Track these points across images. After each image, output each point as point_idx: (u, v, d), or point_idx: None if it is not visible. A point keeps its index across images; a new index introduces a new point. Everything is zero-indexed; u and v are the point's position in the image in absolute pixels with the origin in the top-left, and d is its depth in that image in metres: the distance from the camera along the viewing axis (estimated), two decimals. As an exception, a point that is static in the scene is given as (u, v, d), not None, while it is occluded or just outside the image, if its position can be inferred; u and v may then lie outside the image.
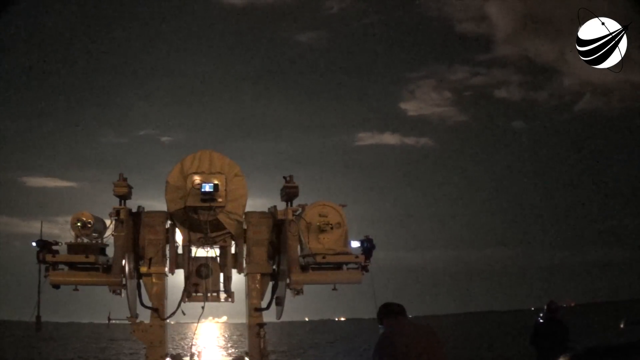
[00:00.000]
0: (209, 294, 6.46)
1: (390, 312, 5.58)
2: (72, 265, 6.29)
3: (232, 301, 6.60)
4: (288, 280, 6.38)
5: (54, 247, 6.30)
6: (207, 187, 6.11)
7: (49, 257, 6.18)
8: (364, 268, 6.44)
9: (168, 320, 6.52)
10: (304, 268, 6.37)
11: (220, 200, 6.18)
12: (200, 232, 6.32)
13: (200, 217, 6.18)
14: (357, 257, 6.40)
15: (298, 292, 6.39)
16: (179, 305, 6.37)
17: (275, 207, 6.75)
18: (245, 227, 6.63)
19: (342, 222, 6.48)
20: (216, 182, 6.15)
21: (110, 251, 6.50)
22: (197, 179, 6.18)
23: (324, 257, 6.32)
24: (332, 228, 6.39)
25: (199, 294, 6.43)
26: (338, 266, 6.50)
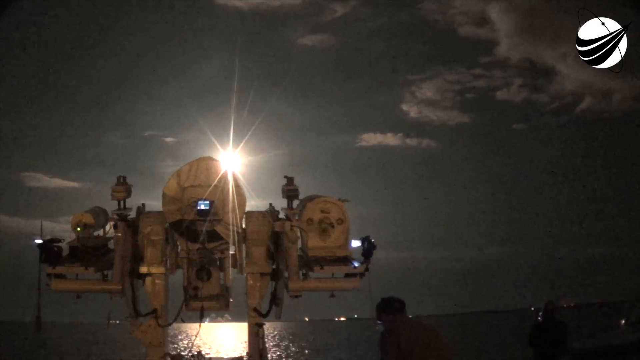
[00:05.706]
0: (207, 301, 6.46)
1: (390, 308, 5.52)
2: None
3: (230, 309, 6.61)
4: (286, 276, 6.36)
5: (57, 245, 6.33)
6: (202, 205, 6.06)
7: (49, 269, 6.21)
8: (362, 274, 6.37)
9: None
10: (303, 268, 6.35)
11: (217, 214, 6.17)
12: (198, 242, 6.30)
13: (197, 226, 6.18)
14: (355, 267, 6.35)
15: (297, 296, 6.38)
16: (179, 313, 6.37)
17: (274, 207, 6.72)
18: (244, 227, 6.61)
19: (344, 218, 6.42)
20: (212, 199, 6.11)
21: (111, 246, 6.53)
22: (193, 195, 6.14)
23: (322, 268, 6.29)
24: (333, 226, 6.36)
25: (197, 301, 6.42)
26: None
